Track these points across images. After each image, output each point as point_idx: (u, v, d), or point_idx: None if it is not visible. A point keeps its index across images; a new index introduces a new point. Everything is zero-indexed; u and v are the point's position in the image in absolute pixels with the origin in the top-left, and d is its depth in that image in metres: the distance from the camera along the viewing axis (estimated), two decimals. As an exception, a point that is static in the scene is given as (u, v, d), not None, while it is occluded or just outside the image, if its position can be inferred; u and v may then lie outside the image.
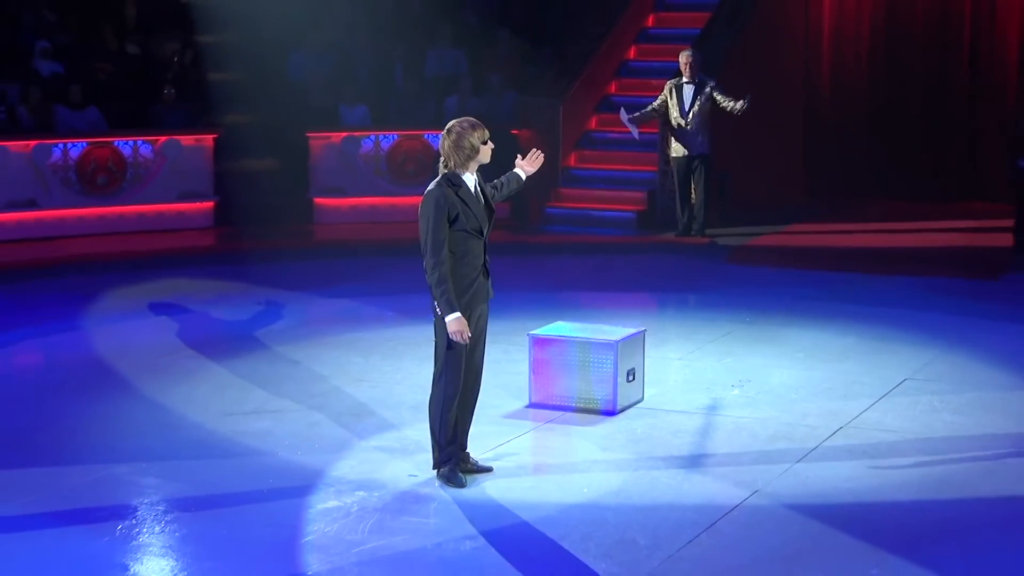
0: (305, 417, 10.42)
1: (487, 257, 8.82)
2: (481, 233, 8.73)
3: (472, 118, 8.79)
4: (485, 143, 8.74)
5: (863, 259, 16.97)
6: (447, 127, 8.75)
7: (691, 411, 10.60)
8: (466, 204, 8.65)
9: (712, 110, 17.61)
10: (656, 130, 18.72)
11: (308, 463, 9.36)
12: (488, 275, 8.85)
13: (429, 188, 8.68)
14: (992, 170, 19.93)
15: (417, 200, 18.99)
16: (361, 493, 8.74)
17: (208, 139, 19.17)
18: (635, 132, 17.68)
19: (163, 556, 7.86)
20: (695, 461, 9.48)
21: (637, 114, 17.62)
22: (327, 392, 11.08)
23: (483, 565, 7.68)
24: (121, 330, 13.37)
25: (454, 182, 8.65)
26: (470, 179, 8.73)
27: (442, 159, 8.74)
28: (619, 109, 17.94)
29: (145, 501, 8.69)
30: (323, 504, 8.55)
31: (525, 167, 9.21)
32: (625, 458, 9.49)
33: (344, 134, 19.56)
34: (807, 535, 8.12)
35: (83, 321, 13.79)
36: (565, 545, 7.92)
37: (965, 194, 20.48)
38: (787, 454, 9.54)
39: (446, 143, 8.68)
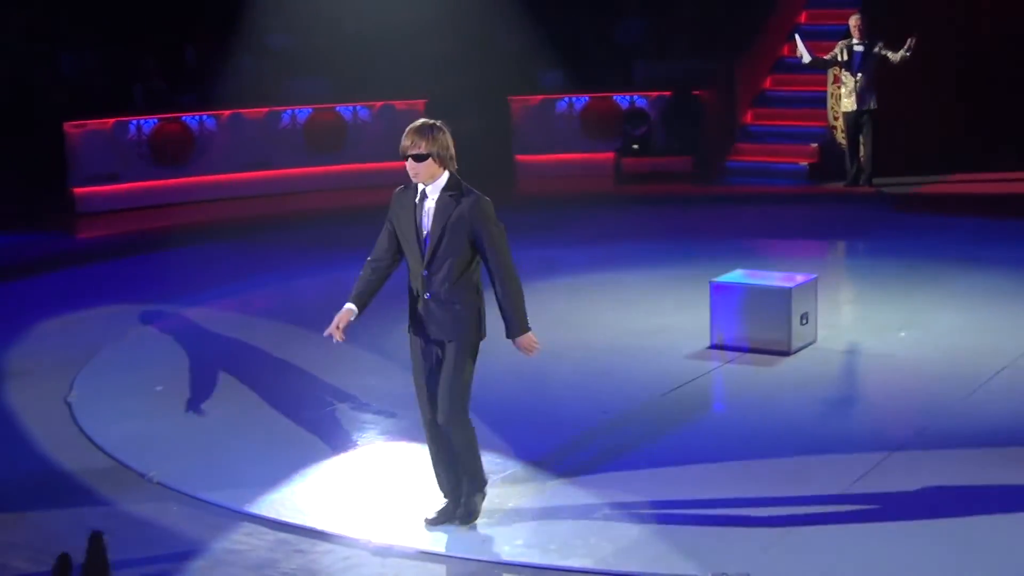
0: (508, 357, 10.25)
1: (425, 293, 6.98)
2: (418, 259, 6.97)
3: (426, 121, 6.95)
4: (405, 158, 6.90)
5: (1021, 205, 16.38)
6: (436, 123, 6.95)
7: (861, 352, 10.31)
8: (402, 215, 7.04)
9: (879, 67, 17.16)
10: (825, 88, 18.41)
11: (506, 399, 9.26)
12: (426, 311, 6.99)
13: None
14: None
15: (606, 156, 18.86)
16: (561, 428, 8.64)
17: (419, 104, 19.18)
18: (805, 55, 17.21)
19: (382, 486, 7.84)
20: (865, 399, 9.24)
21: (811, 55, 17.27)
22: (529, 335, 10.94)
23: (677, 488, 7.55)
24: (346, 277, 13.37)
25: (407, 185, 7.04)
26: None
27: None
28: (794, 34, 17.66)
29: (365, 435, 8.71)
30: (522, 442, 8.46)
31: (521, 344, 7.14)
32: (799, 396, 9.25)
33: (541, 97, 19.47)
34: (972, 472, 7.78)
35: (312, 269, 13.87)
36: (745, 475, 7.74)
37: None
38: (953, 393, 9.19)
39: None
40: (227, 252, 14.94)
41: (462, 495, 7.20)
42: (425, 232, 6.93)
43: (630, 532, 7.00)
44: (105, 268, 14.46)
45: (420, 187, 6.94)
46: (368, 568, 6.75)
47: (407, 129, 6.88)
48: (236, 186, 18.06)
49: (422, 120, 6.95)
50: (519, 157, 19.45)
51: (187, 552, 6.96)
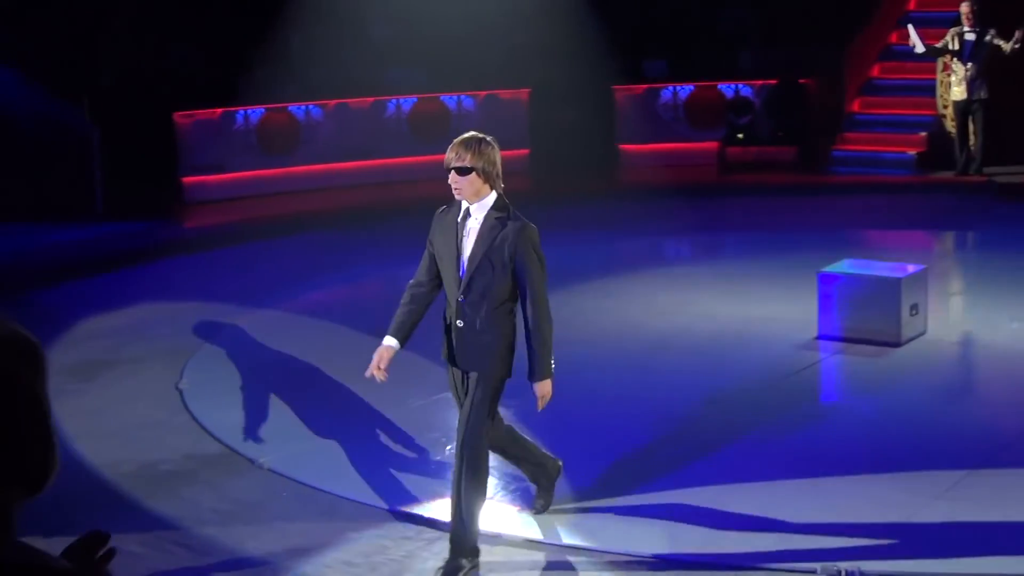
0: (616, 346, 10.30)
1: (458, 321, 6.48)
2: (455, 283, 6.49)
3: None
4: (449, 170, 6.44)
5: None
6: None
7: (972, 343, 10.19)
8: (442, 236, 6.59)
9: (990, 56, 16.91)
10: (934, 76, 18.17)
11: (611, 386, 9.27)
12: (457, 339, 6.50)
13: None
14: None
15: (710, 145, 18.70)
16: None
17: (523, 93, 19.22)
18: (919, 45, 17.00)
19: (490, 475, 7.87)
20: (976, 392, 9.13)
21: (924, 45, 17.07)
22: (636, 325, 10.96)
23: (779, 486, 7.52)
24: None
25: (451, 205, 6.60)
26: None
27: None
28: (907, 24, 17.45)
29: (471, 424, 8.74)
30: (628, 429, 8.47)
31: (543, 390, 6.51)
32: (909, 388, 9.16)
33: (645, 86, 19.42)
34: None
35: (418, 258, 13.88)
36: (855, 467, 7.67)
37: None
38: (1066, 386, 9.08)
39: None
40: (333, 241, 15.07)
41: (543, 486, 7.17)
42: (464, 254, 6.47)
43: (739, 523, 6.96)
44: (213, 257, 14.64)
45: (464, 206, 6.49)
46: (476, 556, 6.79)
47: (453, 141, 6.44)
48: (342, 175, 18.21)
49: (471, 133, 6.50)
50: (623, 146, 19.44)
51: (297, 538, 7.04)
